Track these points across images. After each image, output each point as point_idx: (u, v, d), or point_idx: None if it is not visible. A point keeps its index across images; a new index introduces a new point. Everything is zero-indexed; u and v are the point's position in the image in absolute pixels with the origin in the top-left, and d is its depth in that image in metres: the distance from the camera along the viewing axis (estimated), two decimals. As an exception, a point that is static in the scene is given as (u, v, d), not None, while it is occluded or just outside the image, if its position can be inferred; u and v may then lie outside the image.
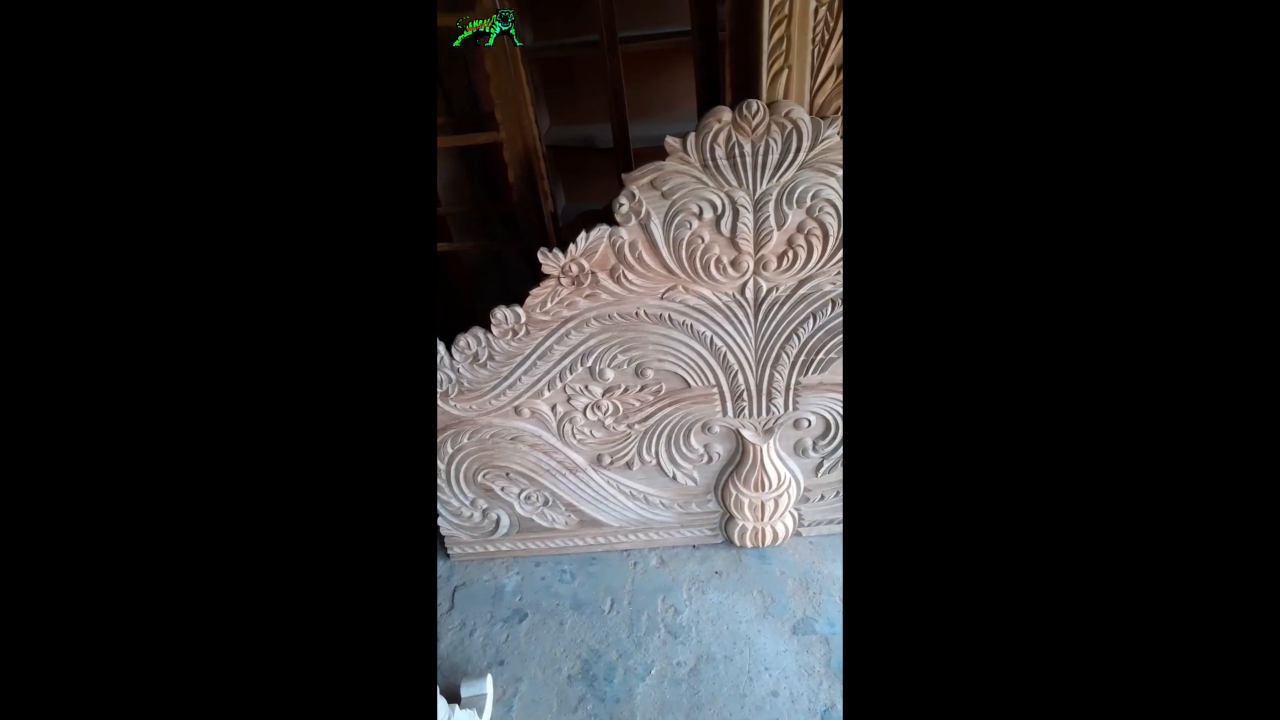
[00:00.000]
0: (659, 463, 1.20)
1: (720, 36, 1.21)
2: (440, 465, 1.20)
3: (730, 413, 1.14)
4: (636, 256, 0.96)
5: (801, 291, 0.99)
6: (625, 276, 0.97)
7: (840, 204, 0.91)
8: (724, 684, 1.07)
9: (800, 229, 0.94)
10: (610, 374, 1.08)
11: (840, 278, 0.98)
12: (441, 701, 0.89)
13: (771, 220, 0.92)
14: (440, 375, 1.08)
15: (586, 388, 1.10)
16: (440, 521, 1.28)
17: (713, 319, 1.02)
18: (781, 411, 1.13)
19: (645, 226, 0.93)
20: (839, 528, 1.30)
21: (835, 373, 1.08)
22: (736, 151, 0.87)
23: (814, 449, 1.19)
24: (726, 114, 0.85)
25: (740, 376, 1.09)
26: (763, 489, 1.20)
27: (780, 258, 0.96)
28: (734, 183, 0.90)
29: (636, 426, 1.15)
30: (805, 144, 0.87)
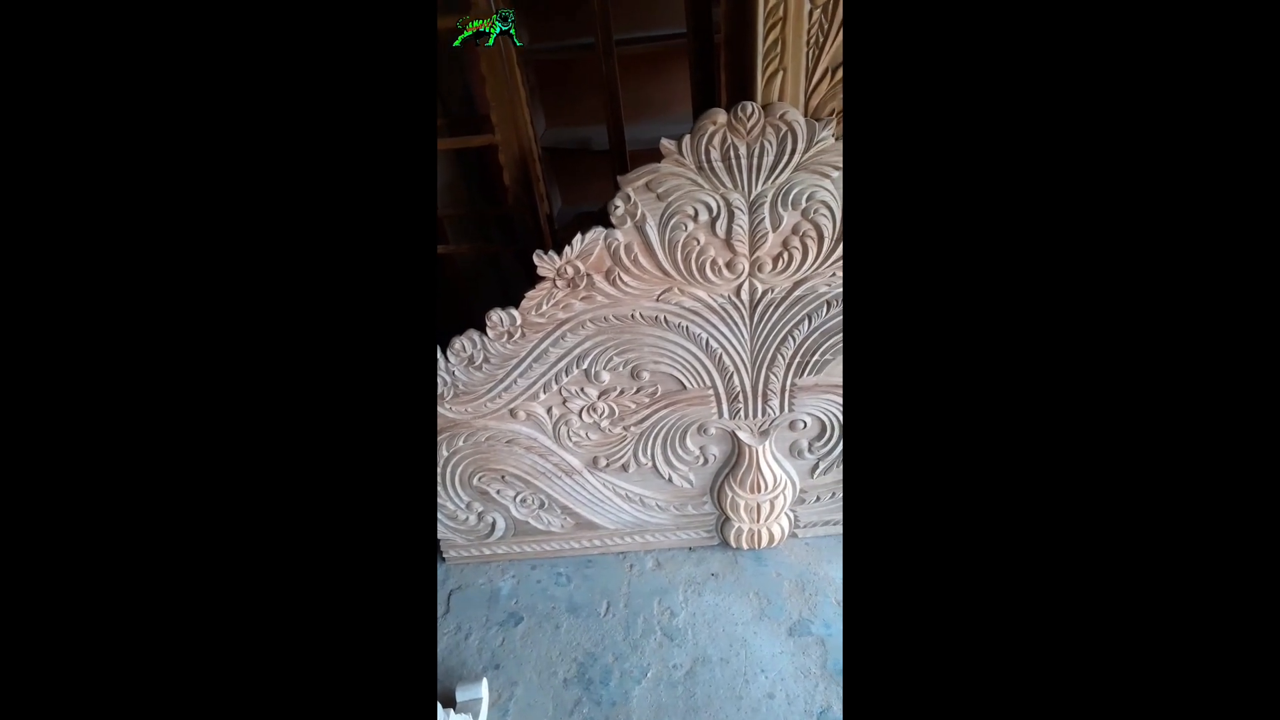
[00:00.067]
0: (655, 465, 1.20)
1: (715, 39, 1.21)
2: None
3: (726, 415, 1.14)
4: (632, 259, 0.95)
5: (797, 293, 0.99)
6: (621, 279, 0.97)
7: (835, 206, 0.91)
8: (720, 686, 1.07)
9: (795, 231, 0.94)
10: (606, 376, 1.08)
11: (835, 279, 0.98)
12: (437, 706, 0.88)
13: (767, 222, 0.92)
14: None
15: (582, 390, 1.10)
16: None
17: (708, 321, 1.02)
18: (777, 413, 1.13)
19: (640, 229, 0.93)
20: (835, 529, 1.31)
21: (831, 374, 1.08)
22: (732, 153, 0.88)
23: (810, 451, 1.19)
24: (722, 116, 0.85)
25: (736, 378, 1.09)
26: (758, 491, 1.20)
27: (775, 259, 0.96)
28: (729, 185, 0.90)
29: (632, 429, 1.15)
30: (800, 146, 0.87)
